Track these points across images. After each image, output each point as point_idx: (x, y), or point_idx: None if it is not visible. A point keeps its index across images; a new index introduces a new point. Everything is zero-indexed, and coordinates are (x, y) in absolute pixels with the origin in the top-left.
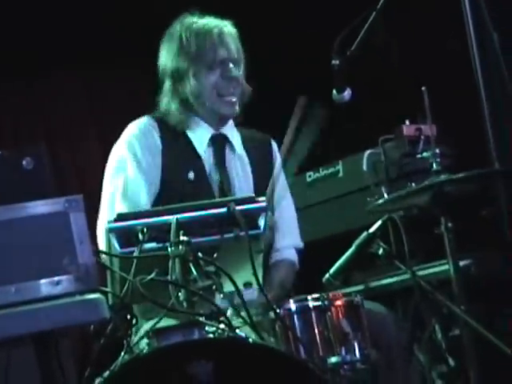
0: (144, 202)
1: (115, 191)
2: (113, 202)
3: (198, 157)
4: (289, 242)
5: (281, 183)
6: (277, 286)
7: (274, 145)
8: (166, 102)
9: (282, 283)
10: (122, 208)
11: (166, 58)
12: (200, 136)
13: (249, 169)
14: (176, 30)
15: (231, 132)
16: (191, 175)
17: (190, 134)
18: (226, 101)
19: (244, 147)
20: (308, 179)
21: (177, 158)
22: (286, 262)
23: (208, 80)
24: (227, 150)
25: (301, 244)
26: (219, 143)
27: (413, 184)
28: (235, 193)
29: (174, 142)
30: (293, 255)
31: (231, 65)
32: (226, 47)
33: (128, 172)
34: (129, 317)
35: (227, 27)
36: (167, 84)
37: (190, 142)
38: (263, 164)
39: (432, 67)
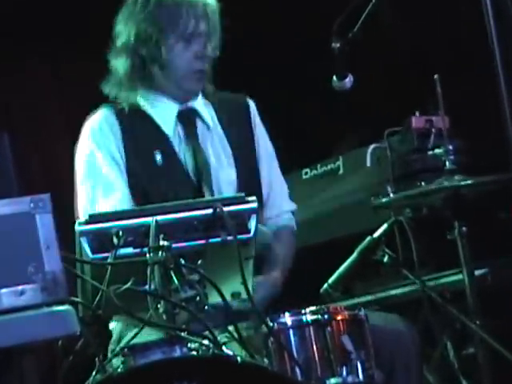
0: (126, 192)
1: (93, 189)
2: (93, 201)
3: (165, 136)
4: (286, 206)
5: (265, 142)
6: (281, 262)
7: (251, 104)
8: (122, 76)
9: (286, 258)
10: (106, 206)
11: (131, 22)
12: (165, 113)
13: (226, 142)
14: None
15: (200, 104)
16: (158, 158)
17: (152, 112)
18: (197, 77)
19: (218, 117)
20: (304, 176)
21: (139, 141)
22: (289, 230)
23: (183, 54)
24: (199, 125)
25: (295, 206)
26: (188, 118)
27: (422, 183)
28: (212, 174)
29: (135, 124)
30: (292, 220)
31: (208, 42)
32: (208, 21)
33: (101, 166)
34: (101, 331)
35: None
36: (125, 43)
37: (153, 122)
38: (242, 130)
39: (445, 52)
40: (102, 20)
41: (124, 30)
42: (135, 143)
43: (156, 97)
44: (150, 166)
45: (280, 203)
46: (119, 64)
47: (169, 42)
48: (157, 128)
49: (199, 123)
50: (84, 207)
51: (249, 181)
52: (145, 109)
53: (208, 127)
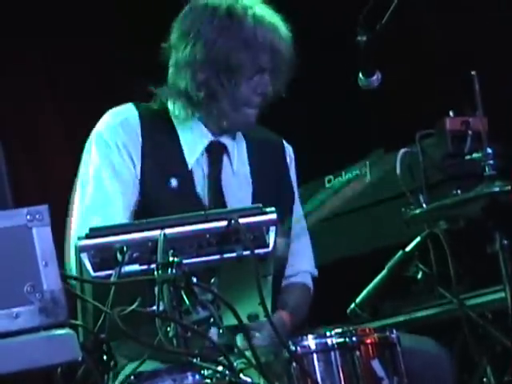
0: (120, 215)
1: (88, 201)
2: (87, 216)
3: (185, 164)
4: (304, 266)
5: (297, 199)
6: (291, 307)
7: (289, 150)
8: (179, 79)
9: (296, 308)
10: (98, 222)
11: (199, 37)
12: (194, 141)
13: (249, 189)
14: (234, 5)
15: (232, 140)
16: (174, 182)
17: (182, 135)
18: (248, 112)
19: (248, 159)
20: (327, 185)
21: (158, 160)
22: (303, 286)
23: (246, 85)
24: (225, 165)
25: (316, 272)
26: (216, 153)
27: (459, 191)
28: None
29: (159, 140)
30: (308, 280)
31: (274, 79)
32: (280, 56)
33: (102, 177)
34: (105, 357)
35: (286, 29)
36: (192, 58)
37: (179, 145)
38: (273, 180)
39: (484, 45)
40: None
41: (190, 43)
42: (153, 160)
43: (194, 119)
44: (165, 189)
45: (301, 260)
46: (180, 78)
47: (235, 74)
48: (180, 153)
49: (225, 162)
50: (75, 220)
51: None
52: (176, 125)
53: (233, 170)
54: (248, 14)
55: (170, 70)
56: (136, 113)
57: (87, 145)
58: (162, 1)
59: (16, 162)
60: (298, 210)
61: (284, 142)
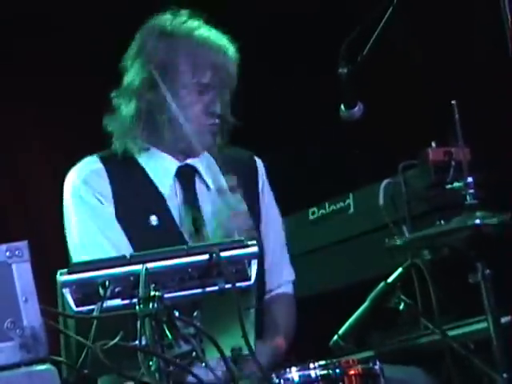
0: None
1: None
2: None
3: (161, 196)
4: (286, 275)
5: (270, 206)
6: (283, 330)
7: (260, 164)
8: (126, 120)
9: (288, 326)
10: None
11: (139, 62)
12: (162, 171)
13: None
14: (165, 29)
15: (201, 161)
16: (154, 219)
17: (148, 167)
18: (209, 131)
19: (221, 172)
20: (311, 217)
21: (133, 201)
22: (287, 297)
23: (194, 106)
24: (198, 185)
25: (293, 275)
26: (187, 177)
27: (442, 221)
28: (210, 238)
29: (128, 182)
30: (291, 289)
31: (220, 96)
32: (226, 73)
33: (84, 220)
34: None
35: (231, 48)
36: (135, 83)
37: (149, 180)
38: (248, 193)
39: (464, 75)
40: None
41: (131, 69)
42: (128, 202)
43: (155, 150)
44: (146, 229)
45: (281, 272)
46: (124, 106)
47: (179, 91)
48: (152, 186)
49: (198, 183)
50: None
51: None
52: (142, 164)
53: (207, 187)
54: (193, 34)
55: (117, 95)
56: (100, 163)
57: (64, 202)
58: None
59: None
60: (273, 217)
61: (255, 157)
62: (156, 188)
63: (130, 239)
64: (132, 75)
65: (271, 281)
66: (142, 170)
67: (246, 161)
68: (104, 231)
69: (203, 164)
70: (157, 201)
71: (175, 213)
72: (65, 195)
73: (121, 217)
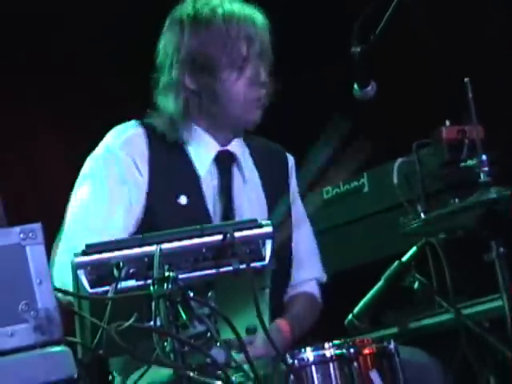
0: (117, 232)
1: (81, 214)
2: (74, 231)
3: (197, 178)
4: (309, 274)
5: (298, 205)
6: (290, 319)
7: (291, 160)
8: (175, 114)
9: (297, 316)
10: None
11: (175, 52)
12: (203, 152)
13: (262, 194)
14: (191, 16)
15: (240, 148)
16: (183, 199)
17: (189, 148)
18: (256, 106)
19: (254, 164)
20: (326, 196)
21: (167, 177)
22: (305, 296)
23: (237, 82)
24: (235, 174)
25: (324, 277)
26: (225, 163)
27: (456, 200)
28: None
29: (167, 156)
30: (314, 288)
31: (262, 66)
32: (261, 42)
33: (100, 189)
34: (103, 374)
35: (259, 16)
36: (174, 78)
37: (188, 159)
38: (279, 187)
39: (478, 53)
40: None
41: (166, 65)
42: (162, 176)
43: (200, 131)
44: (172, 204)
45: (304, 270)
46: (169, 101)
47: (221, 72)
48: (190, 167)
49: (235, 172)
50: (63, 233)
51: (281, 242)
52: (183, 140)
53: (244, 178)
54: (217, 12)
55: (158, 94)
56: (141, 129)
57: (90, 158)
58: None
59: (15, 181)
60: (299, 214)
61: (286, 152)
62: (193, 168)
63: (154, 214)
64: (168, 71)
65: (298, 276)
66: (183, 147)
67: (278, 153)
68: (111, 211)
69: (243, 153)
70: (191, 181)
71: (208, 196)
72: (97, 151)
73: (151, 189)
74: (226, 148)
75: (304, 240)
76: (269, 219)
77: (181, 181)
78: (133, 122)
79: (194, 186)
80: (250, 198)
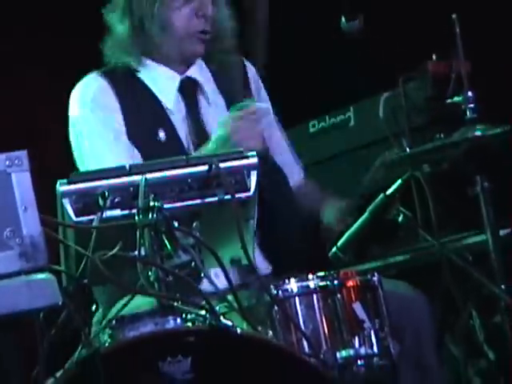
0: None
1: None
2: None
3: (166, 112)
4: (298, 176)
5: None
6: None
7: (250, 68)
8: (122, 38)
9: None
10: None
11: None
12: (164, 85)
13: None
14: None
15: (201, 72)
16: (162, 135)
17: (151, 83)
18: (199, 38)
19: (217, 85)
20: (311, 130)
21: (140, 117)
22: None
23: (182, 11)
24: (200, 99)
25: (303, 173)
26: (189, 90)
27: (441, 135)
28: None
29: (133, 97)
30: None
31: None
32: None
33: (94, 141)
34: (87, 302)
35: None
36: (121, 13)
37: (152, 94)
38: (239, 95)
39: None
40: None
41: None
42: (137, 118)
43: (155, 65)
44: (154, 144)
45: (292, 172)
46: (117, 24)
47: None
48: (157, 102)
49: (200, 96)
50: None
51: None
52: (143, 78)
53: (208, 101)
54: None
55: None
56: (102, 78)
57: (71, 119)
58: None
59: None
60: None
61: (245, 61)
62: (159, 102)
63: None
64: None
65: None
66: (143, 84)
67: (237, 68)
68: (112, 149)
69: (203, 76)
70: (162, 115)
71: (179, 127)
72: (72, 112)
73: (131, 134)
74: (185, 75)
75: (281, 145)
76: None
77: (154, 118)
78: (93, 75)
79: (166, 119)
80: (216, 117)
